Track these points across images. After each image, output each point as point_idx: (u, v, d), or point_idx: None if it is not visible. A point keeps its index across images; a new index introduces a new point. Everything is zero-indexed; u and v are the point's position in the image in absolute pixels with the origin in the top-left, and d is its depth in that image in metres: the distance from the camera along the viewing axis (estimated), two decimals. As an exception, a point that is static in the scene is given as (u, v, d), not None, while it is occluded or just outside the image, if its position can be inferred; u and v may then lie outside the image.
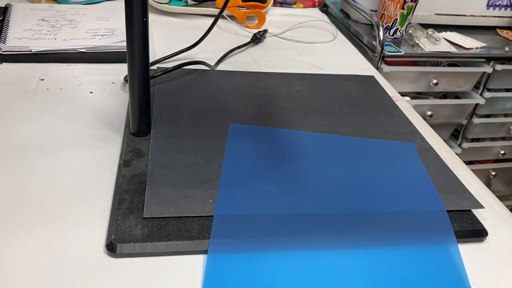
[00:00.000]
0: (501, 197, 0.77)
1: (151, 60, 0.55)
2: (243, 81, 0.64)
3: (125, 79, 0.61)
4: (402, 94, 0.82)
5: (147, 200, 0.40)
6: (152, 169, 0.44)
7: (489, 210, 0.46)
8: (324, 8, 1.08)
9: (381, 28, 0.92)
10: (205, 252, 0.37)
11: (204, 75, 0.64)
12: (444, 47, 1.01)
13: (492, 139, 1.27)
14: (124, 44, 0.44)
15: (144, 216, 0.38)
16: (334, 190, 0.44)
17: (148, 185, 0.42)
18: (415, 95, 1.11)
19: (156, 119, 0.51)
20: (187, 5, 0.89)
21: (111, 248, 0.36)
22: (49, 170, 0.44)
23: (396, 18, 0.98)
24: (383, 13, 1.00)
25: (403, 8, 0.96)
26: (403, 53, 0.96)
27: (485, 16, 1.15)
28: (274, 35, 0.86)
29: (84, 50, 0.67)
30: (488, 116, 1.19)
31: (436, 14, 1.11)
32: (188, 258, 0.37)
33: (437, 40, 1.01)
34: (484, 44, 1.07)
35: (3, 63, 0.62)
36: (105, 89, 0.59)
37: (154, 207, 0.39)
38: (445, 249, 0.40)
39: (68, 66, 0.63)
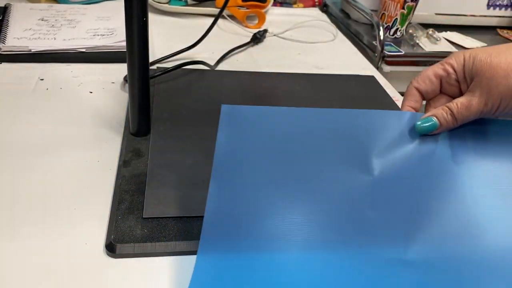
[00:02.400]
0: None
1: (150, 60, 0.55)
2: (243, 81, 0.64)
3: (125, 79, 0.61)
4: (403, 94, 0.82)
5: (147, 200, 0.40)
6: (151, 169, 0.44)
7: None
8: (324, 7, 1.08)
9: (381, 28, 0.92)
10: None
11: (204, 75, 0.64)
12: (445, 47, 1.01)
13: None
14: (124, 44, 0.44)
15: (143, 216, 0.38)
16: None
17: (148, 185, 0.41)
18: (415, 95, 1.10)
19: (156, 119, 0.51)
20: (187, 4, 0.89)
21: (111, 248, 0.36)
22: (49, 170, 0.44)
23: (397, 18, 0.98)
24: (383, 13, 0.99)
25: (403, 8, 0.96)
26: (403, 53, 0.96)
27: (485, 16, 1.15)
28: (274, 35, 0.86)
29: (83, 50, 0.67)
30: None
31: (436, 14, 1.11)
32: (188, 258, 0.37)
33: (437, 40, 1.01)
34: (485, 44, 1.06)
35: (2, 63, 0.62)
36: (105, 89, 0.59)
37: (154, 207, 0.39)
38: None
39: (67, 66, 0.63)
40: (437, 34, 1.02)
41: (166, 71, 0.60)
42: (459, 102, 0.35)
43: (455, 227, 0.33)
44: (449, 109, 0.36)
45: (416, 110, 0.39)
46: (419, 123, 0.36)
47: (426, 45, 1.00)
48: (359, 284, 0.32)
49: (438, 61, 0.39)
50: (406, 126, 0.36)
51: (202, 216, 0.39)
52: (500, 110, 0.35)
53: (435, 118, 0.36)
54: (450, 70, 0.37)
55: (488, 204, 0.34)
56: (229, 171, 0.35)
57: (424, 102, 0.41)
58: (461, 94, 0.37)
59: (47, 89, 0.57)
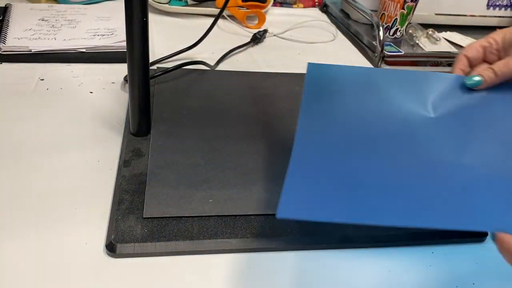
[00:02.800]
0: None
1: (151, 60, 0.55)
2: (243, 81, 0.64)
3: (125, 79, 0.61)
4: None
5: (147, 200, 0.40)
6: (152, 169, 0.44)
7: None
8: (324, 8, 1.08)
9: (381, 28, 0.92)
10: (203, 252, 0.37)
11: (204, 75, 0.64)
12: (444, 47, 1.01)
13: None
14: (124, 44, 0.44)
15: (144, 216, 0.38)
16: None
17: (148, 185, 0.42)
18: (415, 95, 1.10)
19: (156, 119, 0.51)
20: (187, 5, 0.89)
21: (111, 248, 0.36)
22: (49, 170, 0.44)
23: (396, 18, 0.98)
24: (383, 13, 1.00)
25: (403, 8, 0.96)
26: (403, 53, 0.96)
27: (485, 16, 1.15)
28: (274, 35, 0.86)
29: (84, 50, 0.67)
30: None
31: (436, 14, 1.11)
32: (188, 258, 0.37)
33: (437, 40, 1.01)
34: (484, 44, 1.06)
35: (3, 63, 0.62)
36: (105, 89, 0.59)
37: (154, 207, 0.39)
38: None
39: (68, 66, 0.63)
40: (437, 34, 1.02)
41: (166, 71, 0.60)
42: (500, 63, 0.44)
43: (498, 147, 0.42)
44: (492, 68, 0.45)
45: (465, 73, 0.47)
46: (467, 79, 0.45)
47: (426, 45, 1.00)
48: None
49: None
50: (457, 83, 0.46)
51: (202, 216, 0.39)
52: None
53: (480, 76, 0.44)
54: (492, 41, 0.47)
55: None
56: (316, 114, 0.43)
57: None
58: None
59: (47, 89, 0.57)
